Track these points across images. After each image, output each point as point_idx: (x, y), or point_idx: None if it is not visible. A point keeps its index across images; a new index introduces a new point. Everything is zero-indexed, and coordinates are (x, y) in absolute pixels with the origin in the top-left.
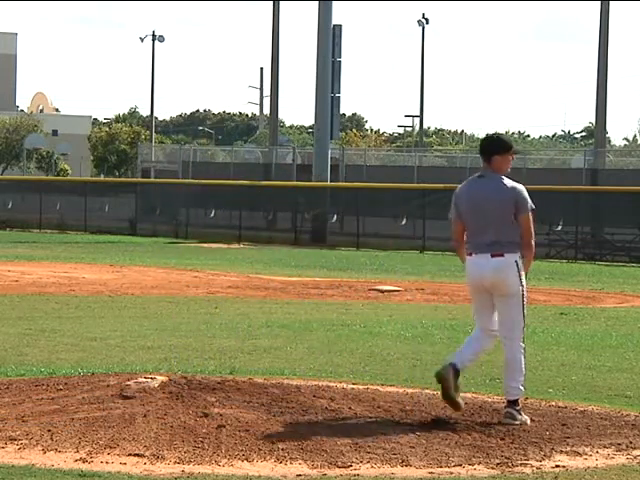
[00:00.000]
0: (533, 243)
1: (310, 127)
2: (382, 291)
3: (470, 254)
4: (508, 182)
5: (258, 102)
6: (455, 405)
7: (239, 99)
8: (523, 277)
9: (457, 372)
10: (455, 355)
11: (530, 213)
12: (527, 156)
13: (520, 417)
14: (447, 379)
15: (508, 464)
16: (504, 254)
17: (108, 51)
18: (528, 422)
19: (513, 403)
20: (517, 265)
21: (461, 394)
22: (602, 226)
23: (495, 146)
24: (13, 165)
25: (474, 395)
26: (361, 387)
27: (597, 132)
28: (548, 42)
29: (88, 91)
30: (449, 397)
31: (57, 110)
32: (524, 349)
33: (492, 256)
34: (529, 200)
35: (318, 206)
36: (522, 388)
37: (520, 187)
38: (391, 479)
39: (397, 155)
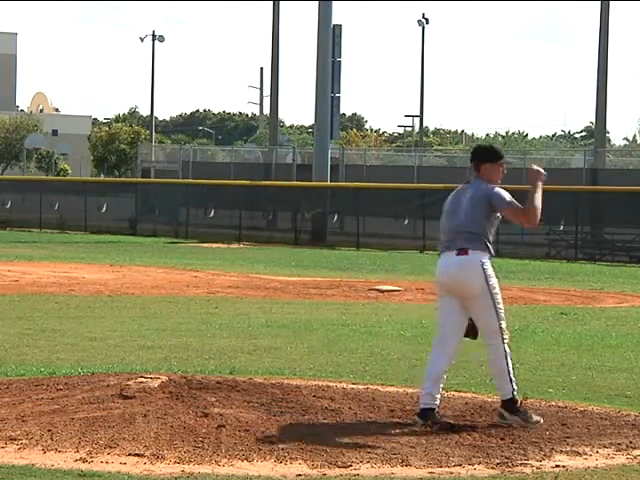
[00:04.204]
0: (531, 209)
1: (310, 127)
2: (382, 291)
3: (440, 254)
4: (486, 185)
5: (258, 102)
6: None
7: (239, 99)
8: (490, 278)
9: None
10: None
11: (512, 207)
12: (527, 156)
13: (511, 417)
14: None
15: (508, 464)
16: (469, 251)
17: (108, 51)
18: (522, 422)
19: (506, 403)
20: (482, 266)
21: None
22: (602, 226)
23: (485, 154)
24: (13, 165)
25: (474, 395)
26: (361, 387)
27: (597, 132)
28: (548, 42)
29: (88, 91)
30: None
31: (57, 110)
32: (504, 348)
33: (457, 254)
34: (505, 194)
35: (318, 206)
36: (510, 385)
37: (497, 188)
38: (391, 479)
39: (397, 155)
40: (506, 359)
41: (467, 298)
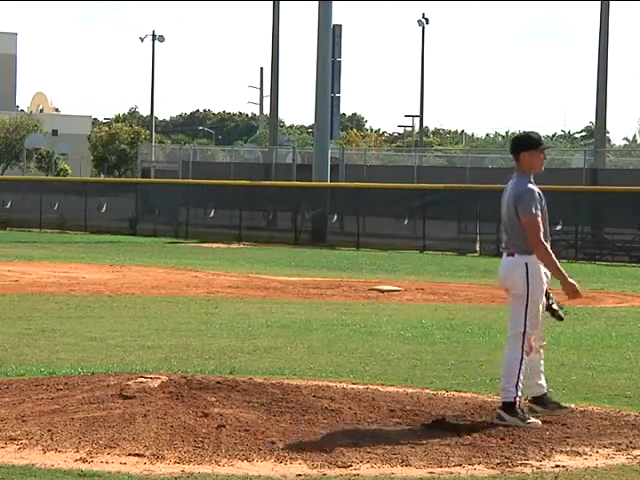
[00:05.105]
0: (541, 246)
1: (310, 127)
2: (382, 291)
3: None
4: (519, 185)
5: (258, 102)
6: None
7: (239, 99)
8: (533, 281)
9: (538, 399)
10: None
11: (530, 216)
12: None
13: (510, 419)
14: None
15: (508, 464)
16: (515, 254)
17: (108, 51)
18: (521, 424)
19: (505, 405)
20: (526, 267)
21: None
22: (602, 226)
23: (522, 143)
24: (13, 165)
25: (474, 395)
26: (361, 387)
27: (597, 132)
28: (548, 42)
29: (88, 91)
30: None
31: (57, 110)
32: (521, 355)
33: (507, 256)
34: (530, 204)
35: (318, 206)
36: (514, 391)
37: (525, 191)
38: (391, 479)
39: (397, 155)
40: (520, 365)
41: (510, 294)
